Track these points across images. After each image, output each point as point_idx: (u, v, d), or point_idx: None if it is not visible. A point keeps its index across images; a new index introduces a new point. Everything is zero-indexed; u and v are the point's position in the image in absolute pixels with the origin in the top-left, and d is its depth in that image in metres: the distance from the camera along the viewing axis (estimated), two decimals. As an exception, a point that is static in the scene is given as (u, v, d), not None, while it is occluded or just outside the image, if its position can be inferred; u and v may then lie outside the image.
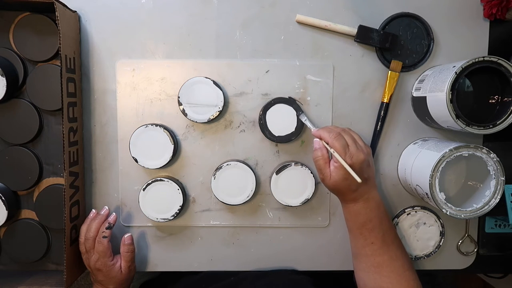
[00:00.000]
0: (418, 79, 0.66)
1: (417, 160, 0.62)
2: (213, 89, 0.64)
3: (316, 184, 0.66)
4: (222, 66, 0.66)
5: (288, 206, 0.66)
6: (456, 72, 0.54)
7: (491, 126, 0.56)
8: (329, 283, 0.74)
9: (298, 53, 0.67)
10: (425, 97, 0.61)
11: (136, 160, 0.65)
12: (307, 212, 0.69)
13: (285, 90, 0.67)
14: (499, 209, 0.58)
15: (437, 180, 0.56)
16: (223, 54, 0.67)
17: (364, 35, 0.65)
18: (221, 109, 0.64)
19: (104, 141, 0.68)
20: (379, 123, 0.67)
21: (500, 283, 0.97)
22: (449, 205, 0.57)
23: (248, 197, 0.66)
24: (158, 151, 0.65)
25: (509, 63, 0.54)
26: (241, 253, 0.70)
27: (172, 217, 0.66)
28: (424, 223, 0.68)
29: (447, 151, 0.56)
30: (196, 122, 0.64)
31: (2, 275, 0.70)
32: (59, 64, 0.62)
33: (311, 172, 0.65)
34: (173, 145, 0.65)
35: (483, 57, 0.54)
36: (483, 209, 0.57)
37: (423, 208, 0.68)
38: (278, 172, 0.65)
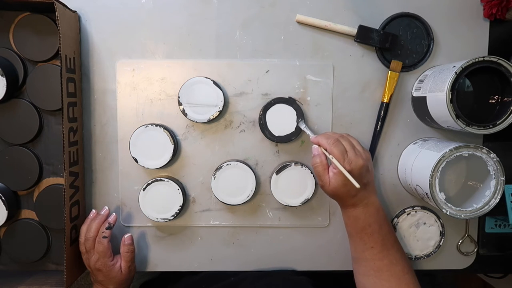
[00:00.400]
0: (418, 79, 0.66)
1: (417, 160, 0.62)
2: (213, 89, 0.64)
3: (316, 184, 0.66)
4: (222, 66, 0.66)
5: (288, 206, 0.66)
6: (456, 72, 0.54)
7: (491, 126, 0.56)
8: (329, 284, 0.74)
9: (298, 53, 0.67)
10: (425, 97, 0.61)
11: (136, 160, 0.65)
12: (307, 212, 0.69)
13: (285, 90, 0.67)
14: (499, 209, 0.58)
15: (437, 180, 0.56)
16: (223, 54, 0.67)
17: (364, 35, 0.65)
18: (221, 109, 0.64)
19: (104, 141, 0.68)
20: (379, 123, 0.67)
21: (500, 283, 0.97)
22: (449, 205, 0.57)
23: (248, 197, 0.66)
24: (158, 151, 0.65)
25: (509, 63, 0.54)
26: (241, 253, 0.70)
27: (172, 217, 0.66)
28: (424, 223, 0.68)
29: (447, 151, 0.56)
30: (196, 122, 0.64)
31: (2, 275, 0.70)
32: (59, 64, 0.62)
33: (311, 172, 0.65)
34: (173, 145, 0.65)
35: (483, 57, 0.54)
36: (483, 209, 0.57)
37: (423, 208, 0.68)
38: (278, 172, 0.65)
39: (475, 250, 0.70)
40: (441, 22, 0.66)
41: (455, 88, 0.54)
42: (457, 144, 0.56)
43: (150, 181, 0.65)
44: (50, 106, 0.65)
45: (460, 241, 0.70)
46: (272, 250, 0.70)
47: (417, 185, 0.61)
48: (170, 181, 0.65)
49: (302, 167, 0.65)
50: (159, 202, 0.66)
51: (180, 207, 0.66)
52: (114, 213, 0.65)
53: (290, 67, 0.67)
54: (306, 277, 0.67)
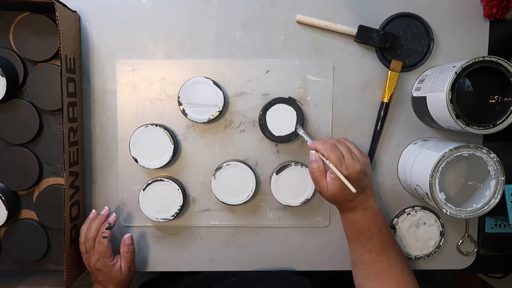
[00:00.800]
0: (418, 79, 0.66)
1: (417, 160, 0.62)
2: (213, 89, 0.64)
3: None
4: (222, 66, 0.66)
5: (288, 206, 0.66)
6: (456, 72, 0.54)
7: (491, 126, 0.56)
8: (329, 284, 0.74)
9: (298, 53, 0.67)
10: (425, 97, 0.61)
11: (136, 160, 0.65)
12: (307, 212, 0.69)
13: (285, 90, 0.67)
14: (499, 209, 0.58)
15: (437, 180, 0.56)
16: (223, 54, 0.67)
17: (364, 35, 0.65)
18: (221, 109, 0.64)
19: (104, 141, 0.68)
20: (379, 123, 0.67)
21: (500, 283, 0.97)
22: (449, 205, 0.57)
23: (248, 197, 0.66)
24: (158, 151, 0.65)
25: (509, 63, 0.54)
26: (241, 253, 0.70)
27: (172, 217, 0.66)
28: (424, 223, 0.68)
29: (447, 151, 0.56)
30: (196, 122, 0.64)
31: (2, 275, 0.70)
32: (59, 64, 0.62)
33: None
34: (173, 145, 0.65)
35: (483, 57, 0.54)
36: (483, 209, 0.57)
37: (423, 208, 0.68)
38: (278, 172, 0.65)
39: (475, 250, 0.70)
40: (441, 22, 0.66)
41: (455, 88, 0.54)
42: (457, 144, 0.56)
43: (150, 181, 0.65)
44: (50, 106, 0.65)
45: (460, 241, 0.70)
46: (272, 250, 0.70)
47: (417, 185, 0.61)
48: (170, 181, 0.65)
49: (302, 167, 0.65)
50: (159, 202, 0.66)
51: (180, 207, 0.66)
52: (114, 213, 0.65)
53: (290, 67, 0.67)
54: (306, 277, 0.67)
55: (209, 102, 0.64)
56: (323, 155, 0.57)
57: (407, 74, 0.67)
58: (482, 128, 0.55)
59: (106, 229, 0.62)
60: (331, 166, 0.55)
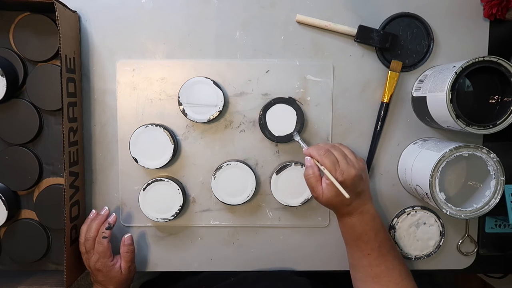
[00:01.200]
0: (418, 79, 0.66)
1: (417, 160, 0.62)
2: (213, 89, 0.64)
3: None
4: (222, 66, 0.66)
5: (288, 206, 0.66)
6: (456, 72, 0.54)
7: (491, 126, 0.56)
8: (329, 284, 0.74)
9: (298, 53, 0.67)
10: (425, 97, 0.61)
11: (136, 160, 0.65)
12: (307, 212, 0.69)
13: (285, 90, 0.67)
14: (499, 209, 0.58)
15: (437, 180, 0.56)
16: (223, 54, 0.67)
17: (364, 35, 0.65)
18: (221, 109, 0.64)
19: (104, 141, 0.68)
20: (379, 123, 0.67)
21: (500, 283, 0.97)
22: (449, 205, 0.57)
23: (248, 197, 0.66)
24: (158, 151, 0.65)
25: (509, 63, 0.54)
26: (241, 253, 0.70)
27: (172, 217, 0.66)
28: (424, 223, 0.68)
29: (447, 151, 0.56)
30: (196, 122, 0.64)
31: (2, 275, 0.70)
32: (59, 64, 0.62)
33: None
34: (173, 145, 0.65)
35: (483, 57, 0.54)
36: (483, 209, 0.57)
37: (423, 208, 0.68)
38: (278, 172, 0.65)
39: (475, 250, 0.70)
40: (441, 22, 0.66)
41: (455, 88, 0.54)
42: (457, 144, 0.56)
43: (150, 181, 0.65)
44: (50, 106, 0.65)
45: (460, 241, 0.70)
46: (272, 250, 0.70)
47: (417, 185, 0.61)
48: (170, 181, 0.65)
49: (302, 167, 0.65)
50: (159, 202, 0.66)
51: (180, 207, 0.66)
52: (114, 213, 0.65)
53: (290, 67, 0.67)
54: (305, 278, 0.67)
55: (209, 102, 0.64)
56: (317, 161, 0.57)
57: (407, 74, 0.67)
58: (482, 128, 0.55)
59: (106, 229, 0.62)
60: (326, 172, 0.55)
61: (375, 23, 0.66)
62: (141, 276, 0.85)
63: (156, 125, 0.65)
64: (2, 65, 0.62)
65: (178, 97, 0.64)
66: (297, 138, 0.64)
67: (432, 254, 0.69)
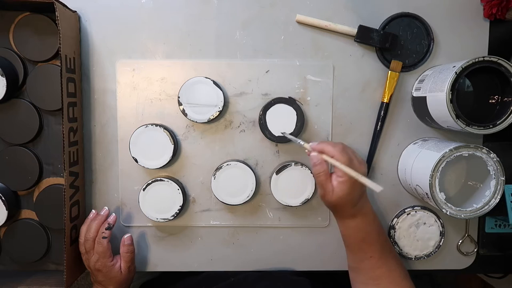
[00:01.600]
0: (418, 79, 0.66)
1: (417, 160, 0.62)
2: (213, 89, 0.64)
3: (316, 184, 0.66)
4: (222, 66, 0.66)
5: (288, 206, 0.66)
6: (456, 72, 0.54)
7: (491, 126, 0.56)
8: (329, 284, 0.74)
9: (298, 53, 0.67)
10: (425, 97, 0.61)
11: (136, 160, 0.65)
12: (307, 212, 0.69)
13: (285, 90, 0.67)
14: (499, 209, 0.58)
15: (437, 180, 0.56)
16: (223, 54, 0.67)
17: (364, 35, 0.65)
18: (221, 109, 0.64)
19: (104, 141, 0.68)
20: (379, 123, 0.67)
21: (500, 283, 0.97)
22: (449, 205, 0.57)
23: (248, 197, 0.66)
24: (158, 151, 0.65)
25: (509, 63, 0.54)
26: (241, 253, 0.70)
27: (172, 217, 0.66)
28: (424, 223, 0.68)
29: (447, 151, 0.56)
30: (196, 122, 0.64)
31: (2, 275, 0.70)
32: (59, 64, 0.62)
33: (311, 172, 0.65)
34: (173, 145, 0.65)
35: (483, 57, 0.54)
36: (483, 209, 0.57)
37: (423, 208, 0.68)
38: (278, 172, 0.65)
39: (475, 250, 0.70)
40: (441, 22, 0.66)
41: (455, 88, 0.54)
42: (457, 144, 0.56)
43: (150, 181, 0.65)
44: (50, 106, 0.65)
45: (460, 241, 0.70)
46: (272, 250, 0.70)
47: (417, 185, 0.61)
48: (170, 181, 0.65)
49: (302, 167, 0.65)
50: (159, 202, 0.66)
51: (180, 207, 0.66)
52: (113, 214, 0.65)
53: (290, 67, 0.67)
54: (305, 277, 0.67)
55: (209, 102, 0.64)
56: (331, 157, 0.54)
57: (407, 74, 0.67)
58: (482, 128, 0.55)
59: (106, 229, 0.62)
60: (346, 168, 0.52)
61: (375, 23, 0.66)
62: (141, 276, 0.85)
63: (156, 125, 0.65)
64: (2, 65, 0.62)
65: (178, 97, 0.64)
66: (288, 136, 0.62)
67: (432, 254, 0.69)
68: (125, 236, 0.65)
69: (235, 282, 0.67)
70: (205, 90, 0.64)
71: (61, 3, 0.59)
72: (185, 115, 0.64)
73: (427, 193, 0.58)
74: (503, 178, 0.57)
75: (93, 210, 0.66)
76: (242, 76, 0.67)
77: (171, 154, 0.65)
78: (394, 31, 0.66)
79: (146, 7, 0.66)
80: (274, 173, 0.65)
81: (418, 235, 0.68)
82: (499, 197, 0.57)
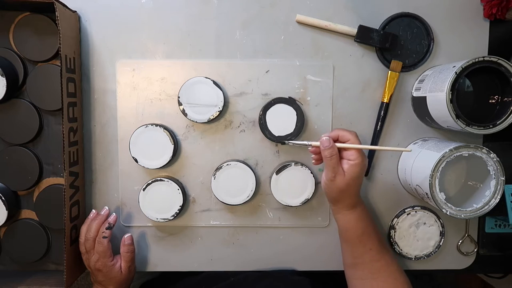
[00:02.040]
0: (418, 79, 0.66)
1: (417, 160, 0.62)
2: (213, 89, 0.64)
3: (316, 184, 0.66)
4: (222, 66, 0.66)
5: (288, 206, 0.66)
6: (456, 72, 0.54)
7: (491, 126, 0.56)
8: (329, 284, 0.74)
9: (298, 53, 0.67)
10: (425, 97, 0.61)
11: (136, 160, 0.65)
12: (307, 212, 0.69)
13: (285, 90, 0.67)
14: (499, 209, 0.58)
15: (437, 180, 0.56)
16: (223, 54, 0.67)
17: (364, 35, 0.64)
18: (221, 109, 0.64)
19: (104, 141, 0.68)
20: (379, 123, 0.67)
21: (500, 283, 0.97)
22: (449, 205, 0.57)
23: (248, 197, 0.66)
24: (158, 151, 0.65)
25: (509, 63, 0.54)
26: (241, 253, 0.70)
27: (172, 217, 0.66)
28: (424, 223, 0.68)
29: (447, 151, 0.56)
30: (196, 122, 0.64)
31: (2, 275, 0.70)
32: (59, 64, 0.62)
33: (311, 172, 0.65)
34: (173, 145, 0.65)
35: (483, 57, 0.54)
36: (483, 209, 0.57)
37: (423, 208, 0.68)
38: (278, 172, 0.65)
39: (475, 250, 0.70)
40: (441, 22, 0.66)
41: (455, 88, 0.54)
42: (457, 144, 0.56)
43: (150, 181, 0.65)
44: (50, 106, 0.65)
45: (460, 241, 0.70)
46: (272, 250, 0.70)
47: (417, 185, 0.61)
48: (170, 181, 0.65)
49: (302, 167, 0.65)
50: (159, 202, 0.66)
51: (180, 207, 0.66)
52: (114, 213, 0.65)
53: (290, 67, 0.67)
54: (305, 277, 0.67)
55: (209, 102, 0.64)
56: (346, 141, 0.56)
57: (407, 74, 0.67)
58: (482, 128, 0.55)
59: (106, 229, 0.62)
60: (368, 147, 0.58)
61: (375, 23, 0.66)
62: (141, 276, 0.85)
63: (156, 125, 0.65)
64: (2, 65, 0.62)
65: (178, 97, 0.64)
66: (291, 144, 0.64)
67: (432, 254, 0.69)
68: (126, 236, 0.65)
69: (235, 282, 0.67)
70: (205, 90, 0.64)
71: (61, 3, 0.59)
72: (185, 115, 0.64)
73: (427, 193, 0.58)
74: (503, 178, 0.57)
75: (93, 210, 0.66)
76: (242, 76, 0.67)
77: (171, 154, 0.65)
78: (394, 31, 0.66)
79: (146, 7, 0.66)
80: (274, 173, 0.65)
81: (418, 235, 0.68)
82: (499, 197, 0.57)
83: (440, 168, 0.56)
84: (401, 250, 0.69)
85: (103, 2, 0.66)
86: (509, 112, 0.56)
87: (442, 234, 0.68)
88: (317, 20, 0.65)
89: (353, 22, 0.66)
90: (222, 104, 0.64)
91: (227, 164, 0.65)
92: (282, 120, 0.65)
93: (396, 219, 0.68)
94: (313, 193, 0.66)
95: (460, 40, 0.67)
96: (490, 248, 0.70)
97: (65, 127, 0.59)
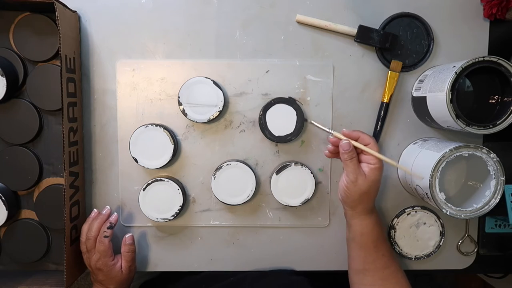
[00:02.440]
0: (418, 79, 0.66)
1: (417, 160, 0.62)
2: (213, 89, 0.64)
3: (316, 184, 0.66)
4: (222, 66, 0.66)
5: (288, 206, 0.66)
6: (456, 72, 0.54)
7: (491, 126, 0.56)
8: (329, 284, 0.74)
9: (298, 53, 0.67)
10: (425, 97, 0.61)
11: (136, 160, 0.65)
12: (307, 212, 0.69)
13: (285, 90, 0.67)
14: (499, 209, 0.58)
15: (437, 180, 0.56)
16: (223, 54, 0.67)
17: (364, 35, 0.64)
18: (221, 109, 0.64)
19: (104, 141, 0.68)
20: (379, 123, 0.67)
21: (500, 283, 0.97)
22: (449, 205, 0.57)
23: (248, 197, 0.66)
24: (158, 151, 0.65)
25: (509, 63, 0.54)
26: (241, 253, 0.70)
27: (172, 217, 0.66)
28: (424, 223, 0.68)
29: (447, 151, 0.56)
30: (196, 122, 0.64)
31: (2, 275, 0.70)
32: (59, 64, 0.62)
33: (311, 172, 0.65)
34: (173, 145, 0.65)
35: (483, 57, 0.54)
36: (483, 209, 0.57)
37: (423, 208, 0.68)
38: (278, 172, 0.65)
39: (475, 250, 0.70)
40: (441, 22, 0.66)
41: (455, 88, 0.54)
42: (457, 144, 0.56)
43: (150, 181, 0.65)
44: (50, 106, 0.65)
45: (460, 241, 0.70)
46: (272, 250, 0.70)
47: (417, 185, 0.61)
48: (170, 181, 0.65)
49: (302, 167, 0.65)
50: (159, 202, 0.66)
51: (180, 207, 0.66)
52: (115, 213, 0.65)
53: (290, 67, 0.67)
54: (305, 277, 0.67)
55: (209, 102, 0.64)
56: (366, 145, 0.56)
57: (407, 74, 0.67)
58: (482, 128, 0.55)
59: (108, 228, 0.63)
60: (381, 156, 0.55)
61: (375, 23, 0.66)
62: (141, 276, 0.85)
63: (156, 125, 0.65)
64: (2, 65, 0.62)
65: (178, 97, 0.64)
66: (320, 126, 0.60)
67: (432, 254, 0.69)
68: (127, 236, 0.65)
69: (234, 282, 0.67)
70: (205, 90, 0.64)
71: (61, 3, 0.59)
72: (185, 115, 0.64)
73: (427, 193, 0.58)
74: (503, 178, 0.57)
75: (94, 209, 0.66)
76: (242, 76, 0.67)
77: (171, 154, 0.65)
78: (394, 31, 0.66)
79: (146, 7, 0.66)
80: (274, 173, 0.65)
81: (418, 235, 0.68)
82: (499, 197, 0.57)
83: (440, 168, 0.56)
84: (401, 250, 0.69)
85: (103, 2, 0.66)
86: (509, 112, 0.56)
87: (442, 234, 0.68)
88: (317, 20, 0.65)
89: (353, 22, 0.66)
90: (222, 104, 0.64)
91: (227, 164, 0.65)
92: (282, 120, 0.65)
93: (396, 219, 0.68)
94: (313, 193, 0.66)
95: (460, 40, 0.67)
96: (490, 248, 0.70)
97: (65, 127, 0.59)
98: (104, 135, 0.68)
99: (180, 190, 0.65)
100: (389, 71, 0.66)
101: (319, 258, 0.71)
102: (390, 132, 0.68)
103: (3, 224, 0.65)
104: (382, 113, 0.67)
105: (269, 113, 0.65)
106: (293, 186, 0.65)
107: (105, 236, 0.62)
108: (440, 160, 0.56)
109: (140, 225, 0.69)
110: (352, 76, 0.67)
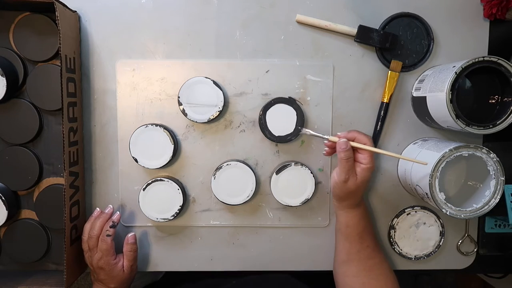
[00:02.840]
0: (418, 79, 0.66)
1: (417, 160, 0.62)
2: (213, 89, 0.64)
3: (316, 184, 0.66)
4: (222, 66, 0.66)
5: (288, 206, 0.66)
6: (456, 72, 0.54)
7: (491, 126, 0.56)
8: (329, 284, 0.74)
9: (298, 53, 0.67)
10: (425, 97, 0.61)
11: (136, 160, 0.65)
12: (307, 212, 0.69)
13: (285, 90, 0.67)
14: (499, 209, 0.58)
15: (437, 180, 0.56)
16: (223, 54, 0.67)
17: (364, 35, 0.64)
18: (221, 109, 0.64)
19: (104, 141, 0.68)
20: (379, 123, 0.67)
21: (500, 283, 0.97)
22: (449, 205, 0.57)
23: (248, 197, 0.66)
24: (158, 151, 0.65)
25: (509, 63, 0.54)
26: (241, 253, 0.70)
27: (172, 217, 0.66)
28: (424, 223, 0.68)
29: (447, 151, 0.56)
30: (196, 122, 0.64)
31: (2, 275, 0.70)
32: (59, 64, 0.62)
33: (311, 172, 0.65)
34: (173, 145, 0.65)
35: (483, 57, 0.54)
36: (483, 209, 0.57)
37: (423, 208, 0.68)
38: (278, 172, 0.65)
39: (475, 250, 0.70)
40: (441, 22, 0.66)
41: (455, 88, 0.54)
42: (457, 144, 0.56)
43: (150, 181, 0.65)
44: (50, 106, 0.65)
45: (460, 241, 0.70)
46: (272, 250, 0.70)
47: (417, 185, 0.61)
48: (170, 181, 0.65)
49: (302, 167, 0.65)
50: (159, 202, 0.66)
51: (180, 207, 0.66)
52: (118, 212, 0.65)
53: (290, 67, 0.67)
54: (305, 282, 0.67)
55: (209, 102, 0.64)
56: (363, 144, 0.57)
57: (407, 74, 0.67)
58: (482, 128, 0.55)
59: (110, 227, 0.63)
60: (382, 151, 0.58)
61: (375, 23, 0.66)
62: (141, 276, 0.85)
63: (156, 125, 0.65)
64: (2, 65, 0.62)
65: (178, 97, 0.64)
66: (308, 133, 0.62)
67: (432, 254, 0.69)
68: (129, 235, 0.65)
69: (236, 286, 0.68)
70: (205, 90, 0.64)
71: (61, 3, 0.59)
72: (185, 115, 0.64)
73: (427, 193, 0.58)
74: (503, 178, 0.57)
75: (97, 208, 0.66)
76: (242, 76, 0.67)
77: (171, 154, 0.65)
78: (394, 31, 0.66)
79: (146, 7, 0.66)
80: (274, 173, 0.65)
81: (418, 235, 0.68)
82: (499, 197, 0.57)
83: (440, 168, 0.56)
84: (401, 250, 0.69)
85: (103, 2, 0.66)
86: (509, 112, 0.56)
87: (442, 234, 0.68)
88: (317, 20, 0.65)
89: (353, 22, 0.66)
90: (222, 104, 0.64)
91: (227, 164, 0.65)
92: (282, 120, 0.65)
93: (396, 219, 0.68)
94: (313, 193, 0.66)
95: (460, 40, 0.67)
96: (490, 248, 0.70)
97: (65, 127, 0.59)
98: (104, 135, 0.68)
99: (180, 190, 0.65)
100: (389, 71, 0.66)
101: (319, 258, 0.71)
102: (390, 132, 0.68)
103: (3, 224, 0.65)
104: (382, 113, 0.67)
105: (269, 113, 0.65)
106: (293, 186, 0.65)
107: (108, 235, 0.62)
108: (440, 160, 0.56)
109: (140, 225, 0.69)
110: (352, 76, 0.67)
